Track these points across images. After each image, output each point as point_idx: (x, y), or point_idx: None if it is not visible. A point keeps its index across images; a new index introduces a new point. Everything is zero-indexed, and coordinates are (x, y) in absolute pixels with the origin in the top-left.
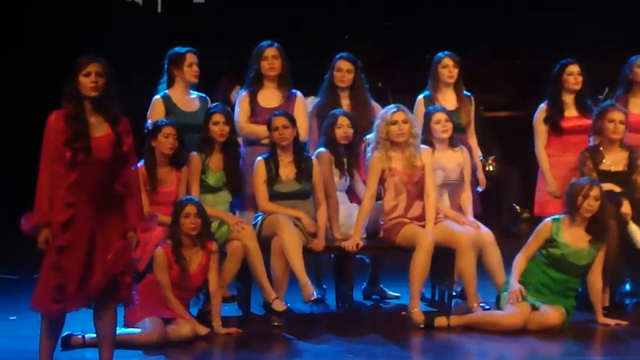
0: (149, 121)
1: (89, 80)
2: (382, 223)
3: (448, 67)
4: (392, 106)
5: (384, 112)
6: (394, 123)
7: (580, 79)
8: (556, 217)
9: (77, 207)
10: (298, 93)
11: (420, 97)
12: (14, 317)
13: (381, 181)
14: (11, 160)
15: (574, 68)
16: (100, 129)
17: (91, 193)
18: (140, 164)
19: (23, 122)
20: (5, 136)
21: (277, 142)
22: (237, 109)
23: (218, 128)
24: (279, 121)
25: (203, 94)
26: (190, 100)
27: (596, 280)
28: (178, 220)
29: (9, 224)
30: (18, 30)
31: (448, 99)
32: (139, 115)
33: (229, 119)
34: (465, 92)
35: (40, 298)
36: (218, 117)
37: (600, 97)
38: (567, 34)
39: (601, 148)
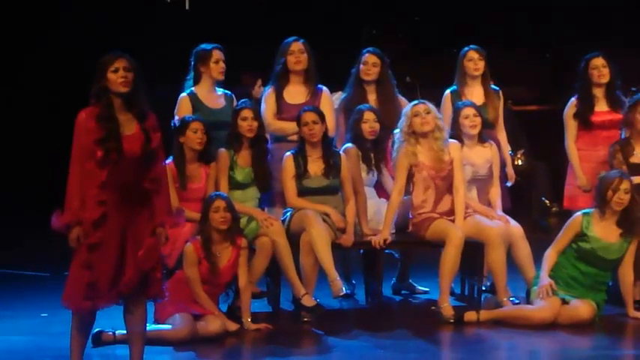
0: (176, 118)
1: (118, 76)
2: (411, 217)
3: (473, 60)
4: (414, 101)
5: (406, 108)
6: (416, 115)
7: (605, 71)
8: (586, 210)
9: (108, 204)
10: (324, 88)
11: (447, 92)
12: (45, 314)
13: (410, 176)
14: (40, 158)
15: (598, 61)
16: (129, 127)
17: (122, 190)
18: (168, 161)
19: (53, 121)
20: (35, 135)
21: (307, 138)
22: (263, 105)
23: (247, 124)
24: (309, 116)
25: (228, 91)
26: (216, 97)
27: (626, 273)
28: (208, 215)
29: (38, 222)
30: (42, 29)
31: (476, 93)
32: (166, 113)
33: (257, 115)
34: (492, 86)
35: (71, 296)
36: (247, 112)
37: (634, 88)
38: (598, 25)
39: (632, 141)
